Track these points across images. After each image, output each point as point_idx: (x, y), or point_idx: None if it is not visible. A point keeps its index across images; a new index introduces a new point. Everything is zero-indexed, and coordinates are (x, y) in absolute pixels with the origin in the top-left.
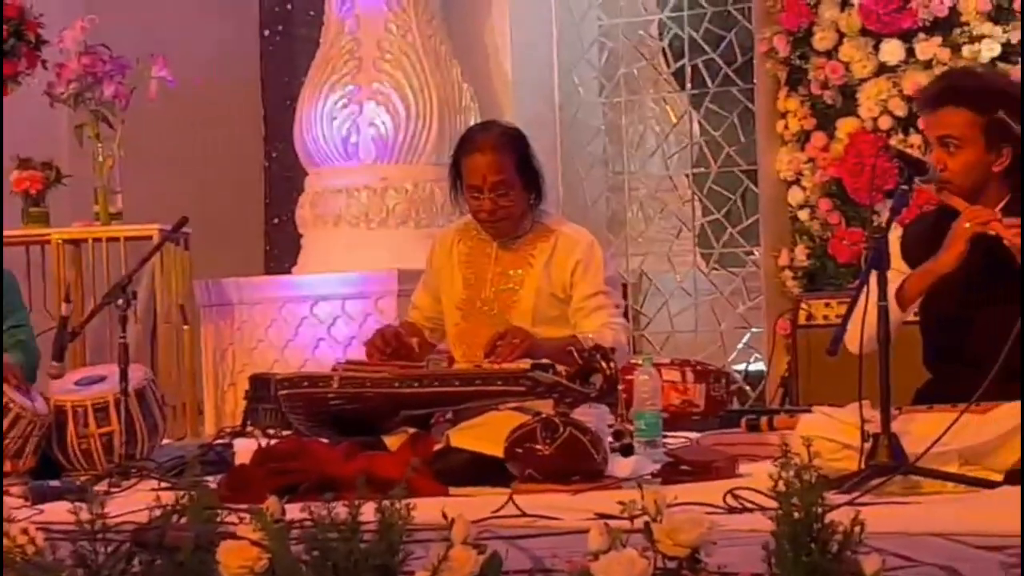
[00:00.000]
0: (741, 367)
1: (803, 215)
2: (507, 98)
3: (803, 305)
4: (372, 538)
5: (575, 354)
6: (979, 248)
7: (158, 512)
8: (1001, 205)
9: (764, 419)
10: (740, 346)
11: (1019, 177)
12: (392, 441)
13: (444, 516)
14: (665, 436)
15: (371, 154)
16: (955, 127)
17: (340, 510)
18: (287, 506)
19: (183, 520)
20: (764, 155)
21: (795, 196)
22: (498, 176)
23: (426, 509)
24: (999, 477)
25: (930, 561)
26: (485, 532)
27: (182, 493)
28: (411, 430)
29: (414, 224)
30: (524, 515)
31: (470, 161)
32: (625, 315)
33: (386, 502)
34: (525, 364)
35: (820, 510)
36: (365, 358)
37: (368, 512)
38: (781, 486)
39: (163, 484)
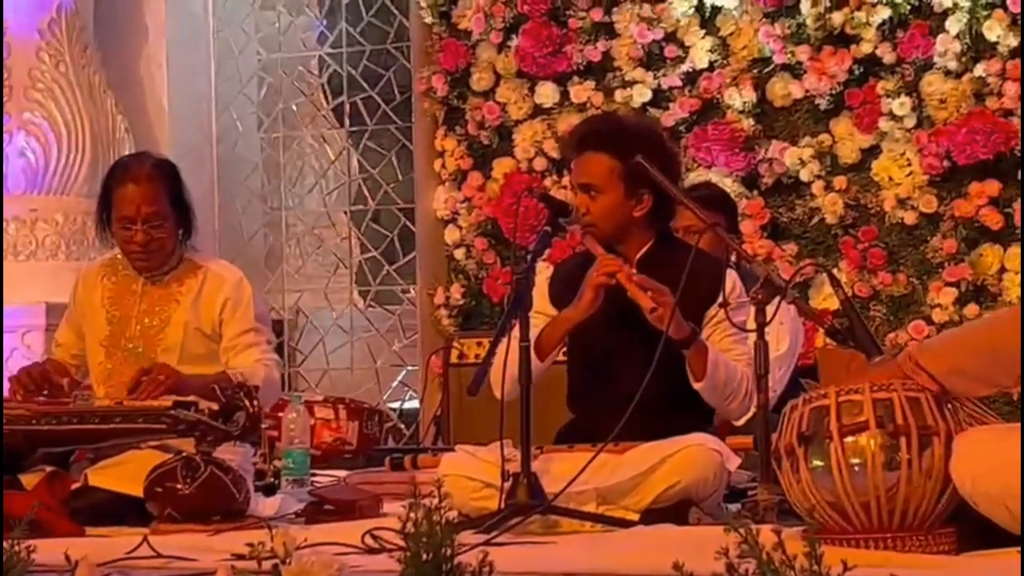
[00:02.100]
0: (396, 405)
1: (459, 254)
2: (163, 130)
3: (456, 343)
4: None
5: (218, 392)
6: (618, 295)
7: None
8: (645, 250)
9: (408, 458)
10: (395, 384)
11: (665, 221)
12: (29, 479)
13: (67, 558)
14: (315, 474)
15: (20, 185)
16: (595, 174)
17: None
18: None
19: None
20: (421, 193)
21: (451, 235)
22: (152, 207)
23: (57, 550)
24: (635, 517)
25: None
26: (117, 574)
27: None
28: (49, 468)
29: (64, 257)
30: (159, 556)
31: (123, 191)
32: (280, 351)
33: (7, 543)
34: (167, 401)
35: (449, 551)
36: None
37: None
38: (410, 527)
39: None
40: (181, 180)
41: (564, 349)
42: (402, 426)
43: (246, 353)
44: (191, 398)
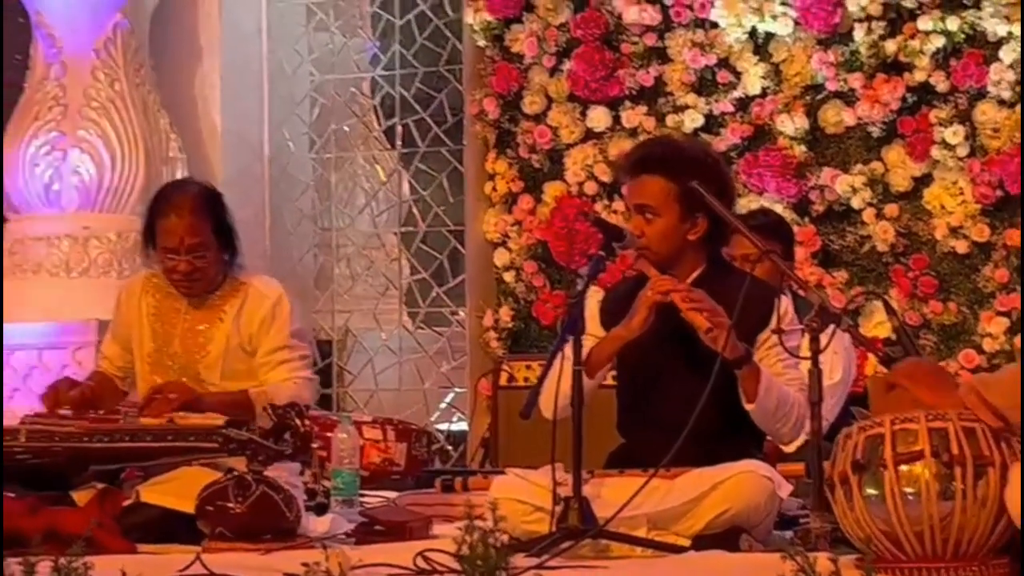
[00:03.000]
0: (444, 427)
1: (509, 277)
2: (216, 150)
3: (505, 366)
4: None
5: (270, 411)
6: (669, 316)
7: None
8: (696, 274)
9: (459, 480)
10: (443, 406)
11: (718, 246)
12: (80, 496)
13: (124, 575)
14: (364, 495)
15: (74, 202)
16: (651, 195)
17: (14, 567)
18: None
19: None
20: (472, 216)
21: (501, 258)
22: (195, 239)
23: (111, 567)
24: (686, 542)
25: None
26: None
27: None
28: (100, 485)
29: (116, 274)
30: (211, 574)
31: (166, 223)
32: (328, 371)
33: (63, 559)
34: (219, 420)
35: (504, 574)
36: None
37: (47, 569)
38: (465, 549)
39: None
40: (225, 208)
41: (614, 373)
42: (450, 448)
43: (278, 370)
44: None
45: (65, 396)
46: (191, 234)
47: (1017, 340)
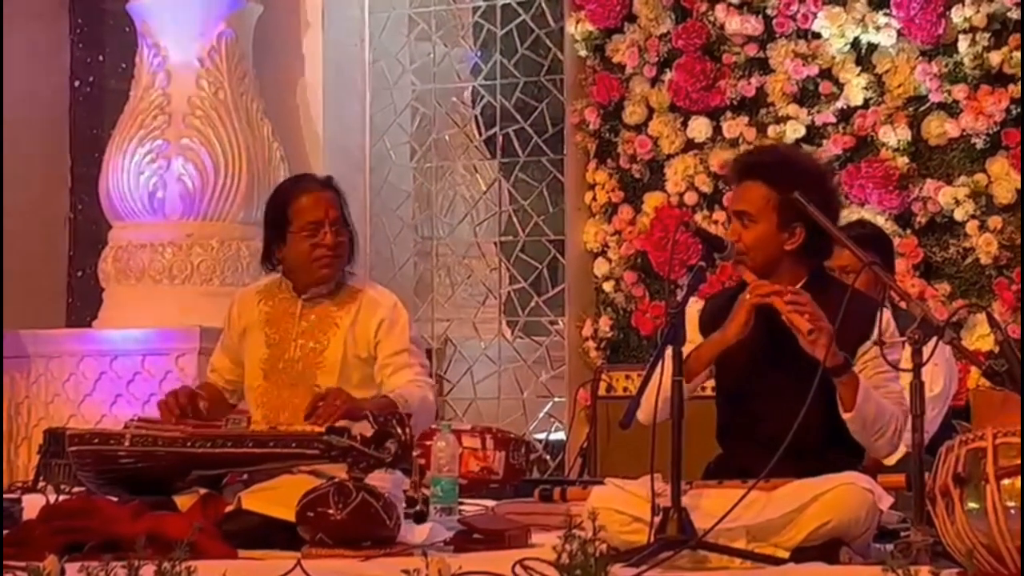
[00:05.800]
0: (542, 436)
1: (608, 287)
2: (317, 159)
3: (604, 376)
4: None
5: (371, 419)
6: (771, 327)
7: None
8: (797, 286)
9: (558, 489)
10: (542, 415)
11: (821, 259)
12: (183, 501)
13: None
14: (462, 503)
15: (177, 210)
16: (750, 202)
17: (119, 571)
18: (69, 564)
19: None
20: (572, 226)
21: (601, 268)
22: (337, 212)
23: (213, 571)
24: (785, 554)
25: None
26: None
27: None
28: (203, 490)
29: (219, 282)
30: None
31: (306, 200)
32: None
33: (167, 563)
34: (320, 427)
35: None
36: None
37: (150, 572)
38: (564, 559)
39: None
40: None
41: (713, 383)
42: (547, 457)
43: (401, 373)
44: (344, 423)
45: (181, 403)
46: (333, 207)
47: None
